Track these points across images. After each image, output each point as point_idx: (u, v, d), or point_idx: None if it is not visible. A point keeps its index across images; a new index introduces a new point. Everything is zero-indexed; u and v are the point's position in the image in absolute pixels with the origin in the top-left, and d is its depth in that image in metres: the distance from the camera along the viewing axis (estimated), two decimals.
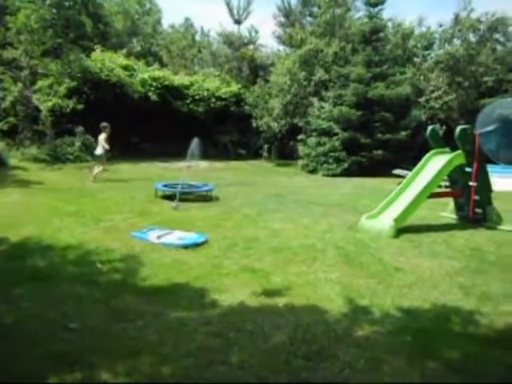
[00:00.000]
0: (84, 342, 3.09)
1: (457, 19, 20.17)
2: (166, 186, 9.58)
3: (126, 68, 19.11)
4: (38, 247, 5.35)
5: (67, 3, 16.53)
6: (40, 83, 16.38)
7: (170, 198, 8.90)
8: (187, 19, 30.77)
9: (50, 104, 15.98)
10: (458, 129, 7.37)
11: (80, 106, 16.11)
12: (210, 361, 2.88)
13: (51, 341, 3.09)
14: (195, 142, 8.93)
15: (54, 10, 15.56)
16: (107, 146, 11.44)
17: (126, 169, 14.89)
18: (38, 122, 16.25)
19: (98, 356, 2.89)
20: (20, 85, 16.11)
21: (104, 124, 11.63)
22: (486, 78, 19.49)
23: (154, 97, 19.07)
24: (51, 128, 16.12)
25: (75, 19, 16.85)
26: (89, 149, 16.32)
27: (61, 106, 16.02)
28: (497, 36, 21.05)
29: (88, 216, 7.22)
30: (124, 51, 21.40)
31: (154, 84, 19.46)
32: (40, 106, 16.04)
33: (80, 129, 16.26)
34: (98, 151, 11.58)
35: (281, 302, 3.93)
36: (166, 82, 19.91)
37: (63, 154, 15.62)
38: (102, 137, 11.50)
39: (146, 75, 19.56)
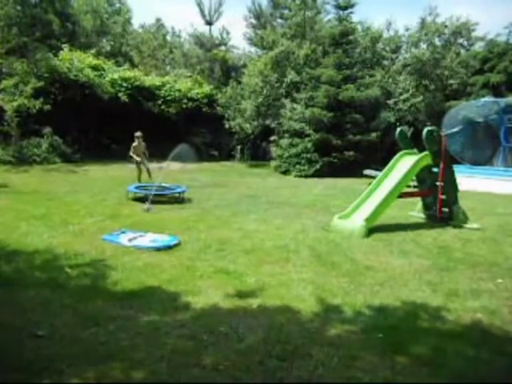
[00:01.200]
0: (53, 349, 3.00)
1: (423, 23, 20.77)
2: (138, 187, 9.43)
3: (95, 68, 18.74)
4: (4, 252, 5.16)
5: (33, 1, 16.10)
6: (4, 83, 15.86)
7: (142, 200, 8.77)
8: (158, 19, 30.51)
9: (15, 104, 15.47)
10: (425, 130, 7.56)
11: (47, 107, 15.67)
12: (183, 364, 2.85)
13: (18, 349, 2.99)
14: (183, 147, 8.92)
15: (19, 8, 15.11)
16: (130, 154, 11.36)
17: (96, 170, 14.60)
18: (2, 122, 15.72)
19: (67, 363, 2.81)
20: None
21: (137, 134, 11.37)
22: (450, 81, 20.14)
23: (124, 97, 18.77)
24: (17, 129, 15.61)
25: (42, 17, 16.43)
26: (56, 150, 15.93)
27: (27, 106, 15.54)
28: (460, 40, 21.81)
29: (56, 219, 7.03)
30: (93, 51, 20.97)
31: (125, 84, 19.16)
32: (4, 106, 15.52)
33: (47, 130, 15.83)
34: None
35: (254, 303, 3.93)
36: (137, 83, 19.64)
37: (29, 156, 15.17)
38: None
39: (115, 75, 19.24)
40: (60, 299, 3.84)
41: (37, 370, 2.72)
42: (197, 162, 15.68)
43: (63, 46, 18.82)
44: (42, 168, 14.31)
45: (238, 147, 21.18)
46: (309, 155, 16.21)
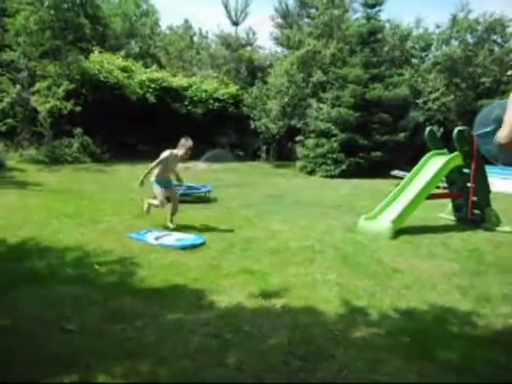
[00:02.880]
0: (81, 344, 3.08)
1: (454, 20, 20.25)
2: None
3: (124, 69, 19.11)
4: (36, 249, 5.34)
5: (66, 5, 16.56)
6: (38, 85, 16.39)
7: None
8: (186, 20, 30.80)
9: (48, 106, 15.98)
10: (456, 130, 7.39)
11: (78, 108, 16.11)
12: (207, 362, 2.88)
13: (48, 342, 3.08)
14: (218, 151, 8.86)
15: (53, 12, 15.58)
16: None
17: (123, 170, 14.90)
18: (36, 123, 16.25)
19: (95, 357, 2.88)
20: (18, 86, 16.15)
21: (186, 143, 6.59)
22: (483, 79, 19.56)
23: (151, 98, 19.06)
24: (49, 129, 16.12)
25: (74, 21, 16.88)
26: (86, 150, 16.37)
27: (59, 107, 16.02)
28: (494, 37, 21.14)
29: (86, 217, 7.21)
30: (122, 53, 21.39)
31: (152, 85, 19.46)
32: (38, 108, 16.04)
33: (78, 130, 16.27)
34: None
35: (279, 303, 3.92)
36: (165, 84, 19.92)
37: (61, 156, 15.63)
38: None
39: (144, 77, 19.57)
40: (89, 295, 3.93)
41: (66, 363, 2.79)
42: (223, 162, 15.76)
43: (94, 48, 19.29)
44: (72, 167, 14.72)
45: (264, 147, 21.18)
46: (335, 155, 16.08)
